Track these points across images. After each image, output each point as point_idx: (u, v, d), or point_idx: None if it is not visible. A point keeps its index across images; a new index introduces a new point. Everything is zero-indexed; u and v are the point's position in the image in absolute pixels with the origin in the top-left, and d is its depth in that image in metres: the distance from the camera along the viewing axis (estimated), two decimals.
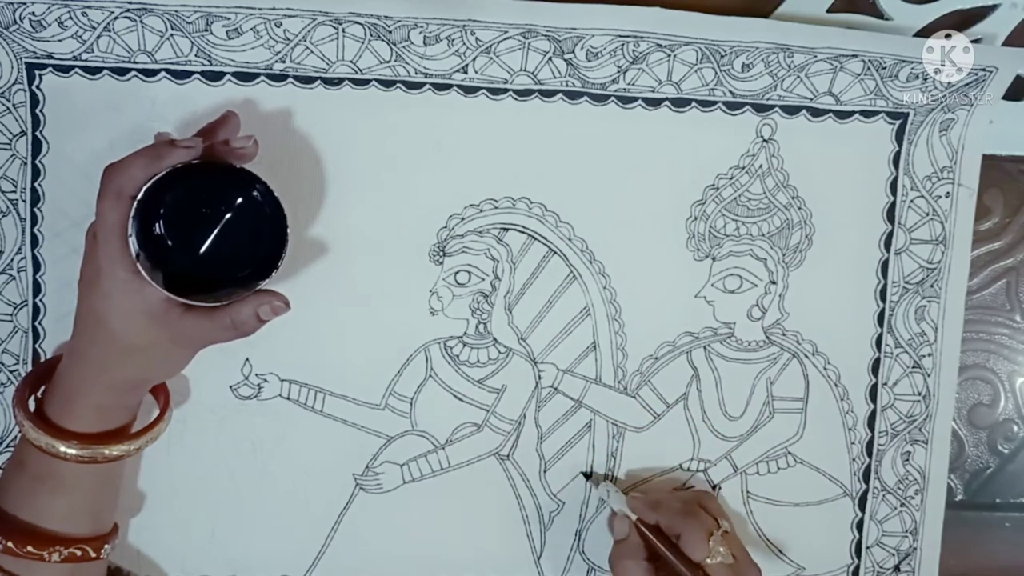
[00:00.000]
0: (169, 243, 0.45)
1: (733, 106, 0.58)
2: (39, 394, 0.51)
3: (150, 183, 0.44)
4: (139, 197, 0.44)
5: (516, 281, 0.59)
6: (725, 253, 0.60)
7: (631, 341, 0.60)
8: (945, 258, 0.61)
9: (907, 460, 0.62)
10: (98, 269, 0.46)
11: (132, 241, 0.44)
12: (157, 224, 0.45)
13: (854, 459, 0.62)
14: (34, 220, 0.55)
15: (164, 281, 0.45)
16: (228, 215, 0.46)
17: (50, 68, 0.54)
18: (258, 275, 0.47)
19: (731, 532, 0.55)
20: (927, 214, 0.61)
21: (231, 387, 0.57)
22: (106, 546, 0.51)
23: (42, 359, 0.56)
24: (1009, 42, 0.60)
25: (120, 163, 0.46)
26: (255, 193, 0.47)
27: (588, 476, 0.60)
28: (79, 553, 0.49)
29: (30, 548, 0.47)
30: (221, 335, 0.48)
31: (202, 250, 0.46)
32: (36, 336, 0.56)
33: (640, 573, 0.53)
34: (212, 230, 0.46)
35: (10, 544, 0.47)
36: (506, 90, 0.57)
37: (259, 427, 0.58)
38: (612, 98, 0.57)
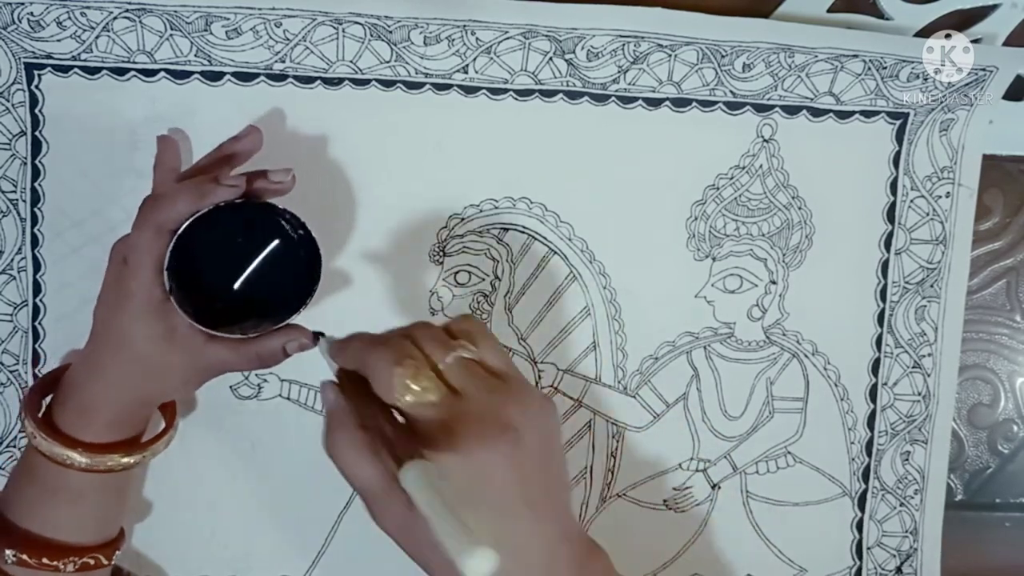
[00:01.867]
0: (203, 277, 0.46)
1: (734, 106, 0.58)
2: (46, 401, 0.50)
3: (191, 219, 0.45)
4: (180, 232, 0.45)
5: (516, 281, 0.59)
6: (725, 253, 0.60)
7: (631, 341, 0.60)
8: (945, 258, 0.61)
9: (907, 460, 0.62)
10: (127, 294, 0.46)
11: (166, 273, 0.45)
12: (194, 259, 0.46)
13: (854, 459, 0.62)
14: (34, 220, 0.55)
15: (194, 313, 0.45)
16: (264, 253, 0.47)
17: (49, 68, 0.54)
18: (287, 311, 0.48)
19: (485, 359, 0.40)
20: (927, 214, 0.61)
21: (231, 387, 0.57)
22: (117, 552, 0.51)
23: (42, 359, 0.56)
24: (1009, 42, 0.60)
25: (164, 197, 0.46)
26: (292, 235, 0.47)
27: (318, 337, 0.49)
28: (92, 562, 0.49)
29: (45, 559, 0.47)
30: (244, 366, 0.49)
31: (236, 286, 0.47)
32: (36, 336, 0.56)
33: (349, 449, 0.39)
34: (246, 267, 0.47)
35: (24, 556, 0.47)
36: (506, 90, 0.57)
37: (259, 427, 0.58)
38: (613, 98, 0.57)
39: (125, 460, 0.49)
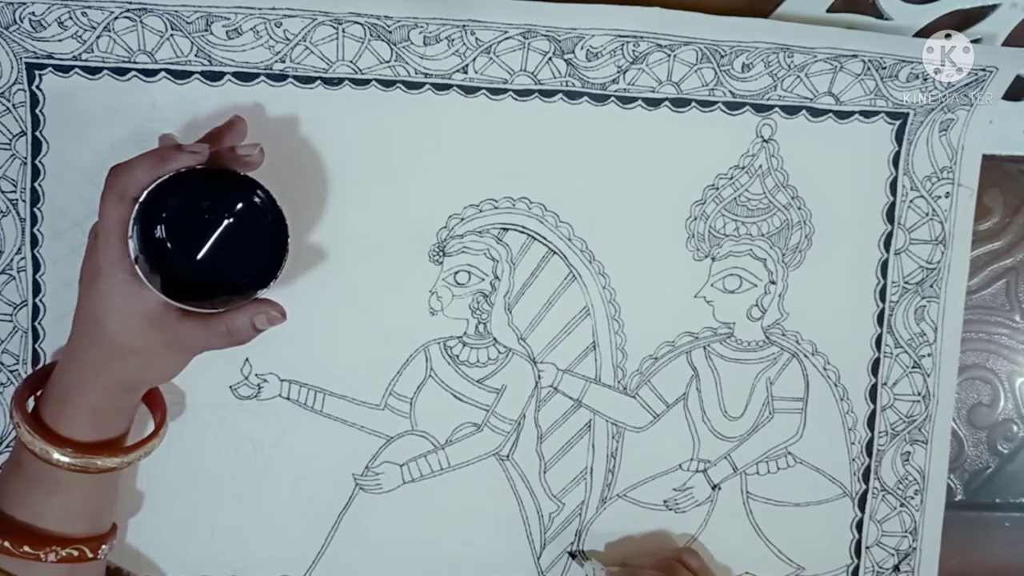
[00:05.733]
0: (169, 246, 0.45)
1: (733, 106, 0.58)
2: (38, 394, 0.51)
3: (153, 186, 0.44)
4: (141, 199, 0.44)
5: (516, 281, 0.59)
6: (725, 253, 0.60)
7: (631, 341, 0.60)
8: (945, 258, 0.61)
9: (907, 460, 0.62)
10: (97, 269, 0.46)
11: (132, 243, 0.44)
12: (158, 227, 0.45)
13: (854, 459, 0.62)
14: (34, 220, 0.55)
15: (162, 285, 0.45)
16: (228, 220, 0.46)
17: (50, 68, 0.54)
18: (256, 284, 0.47)
19: None
20: (927, 214, 0.61)
21: (231, 387, 0.57)
22: (103, 547, 0.51)
23: (42, 359, 0.56)
24: (1009, 42, 0.60)
25: (125, 164, 0.46)
26: (257, 200, 0.47)
27: (574, 556, 0.60)
28: (76, 554, 0.49)
29: (26, 548, 0.47)
30: (216, 342, 0.48)
31: (200, 255, 0.46)
32: (36, 336, 0.56)
33: None
34: (212, 235, 0.46)
35: (6, 544, 0.47)
36: (506, 90, 0.57)
37: (259, 427, 0.58)
38: (612, 98, 0.57)
39: (109, 462, 0.49)
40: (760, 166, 0.59)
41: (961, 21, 0.59)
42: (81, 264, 0.49)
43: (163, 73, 0.54)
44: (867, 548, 0.63)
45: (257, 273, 0.47)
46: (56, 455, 0.47)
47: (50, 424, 0.48)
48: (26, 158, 0.54)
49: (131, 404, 0.51)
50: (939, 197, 0.61)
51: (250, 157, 0.48)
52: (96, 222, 0.47)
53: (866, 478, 0.62)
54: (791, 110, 0.59)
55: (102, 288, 0.46)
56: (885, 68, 0.58)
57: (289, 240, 0.47)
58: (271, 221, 0.47)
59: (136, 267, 0.44)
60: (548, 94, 0.57)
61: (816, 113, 0.59)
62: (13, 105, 0.54)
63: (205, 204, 0.46)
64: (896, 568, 0.63)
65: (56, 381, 0.49)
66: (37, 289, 0.56)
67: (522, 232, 0.58)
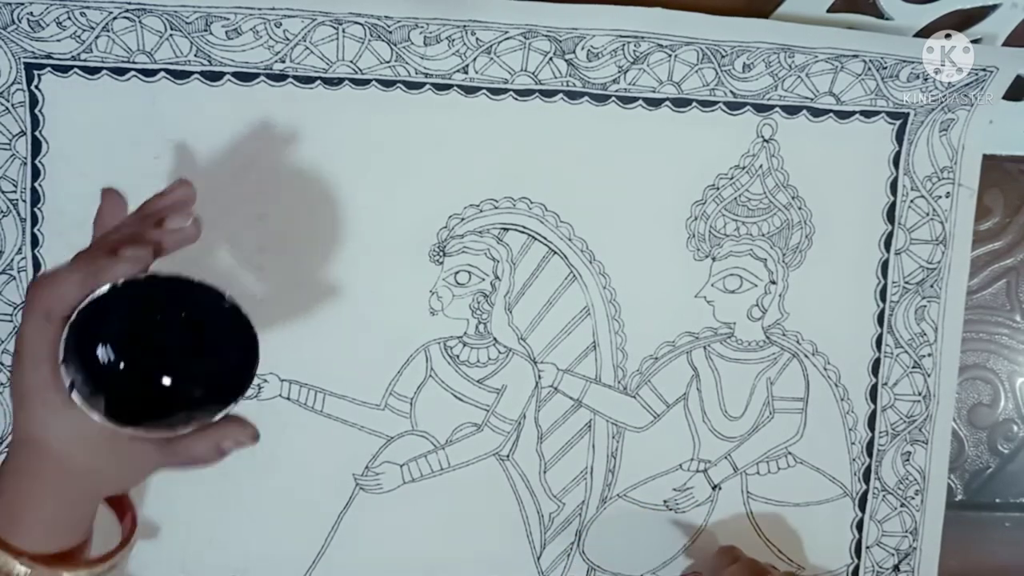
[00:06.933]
0: (110, 364, 0.39)
1: (734, 106, 0.58)
2: None
3: (84, 303, 0.38)
4: (72, 320, 0.38)
5: (516, 281, 0.59)
6: (725, 253, 0.60)
7: (631, 341, 0.60)
8: (945, 258, 0.61)
9: (907, 460, 0.62)
10: (28, 392, 0.39)
11: (63, 368, 0.38)
12: (98, 346, 0.39)
13: (854, 459, 0.62)
14: (34, 220, 0.55)
15: (108, 406, 0.38)
16: (182, 332, 0.40)
17: (49, 68, 0.54)
18: (221, 399, 0.40)
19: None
20: (927, 214, 0.61)
21: None
22: None
23: None
24: (1009, 42, 0.60)
25: (49, 279, 0.39)
26: (214, 307, 0.40)
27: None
28: None
29: None
30: (176, 466, 0.43)
31: (150, 372, 0.40)
32: None
33: None
34: (162, 350, 0.40)
35: None
36: (507, 90, 0.56)
37: (259, 427, 0.57)
38: (613, 98, 0.57)
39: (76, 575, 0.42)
40: (760, 166, 0.59)
41: (961, 21, 0.59)
42: (10, 374, 0.43)
43: (162, 73, 0.54)
44: (867, 548, 0.63)
45: (221, 387, 0.40)
46: (18, 567, 0.41)
47: (4, 537, 0.41)
48: (26, 158, 0.54)
49: (90, 512, 0.44)
50: (939, 197, 0.61)
51: (182, 233, 0.42)
52: (34, 284, 0.40)
53: (866, 478, 0.62)
54: (792, 110, 0.59)
55: (36, 413, 0.40)
56: (886, 68, 0.58)
57: (259, 347, 0.40)
58: (232, 328, 0.40)
59: (73, 394, 0.38)
60: (549, 94, 0.57)
61: (817, 113, 0.59)
62: (12, 105, 0.54)
63: (154, 316, 0.40)
64: (896, 568, 0.63)
65: (3, 493, 0.42)
66: None
67: (522, 232, 0.58)
